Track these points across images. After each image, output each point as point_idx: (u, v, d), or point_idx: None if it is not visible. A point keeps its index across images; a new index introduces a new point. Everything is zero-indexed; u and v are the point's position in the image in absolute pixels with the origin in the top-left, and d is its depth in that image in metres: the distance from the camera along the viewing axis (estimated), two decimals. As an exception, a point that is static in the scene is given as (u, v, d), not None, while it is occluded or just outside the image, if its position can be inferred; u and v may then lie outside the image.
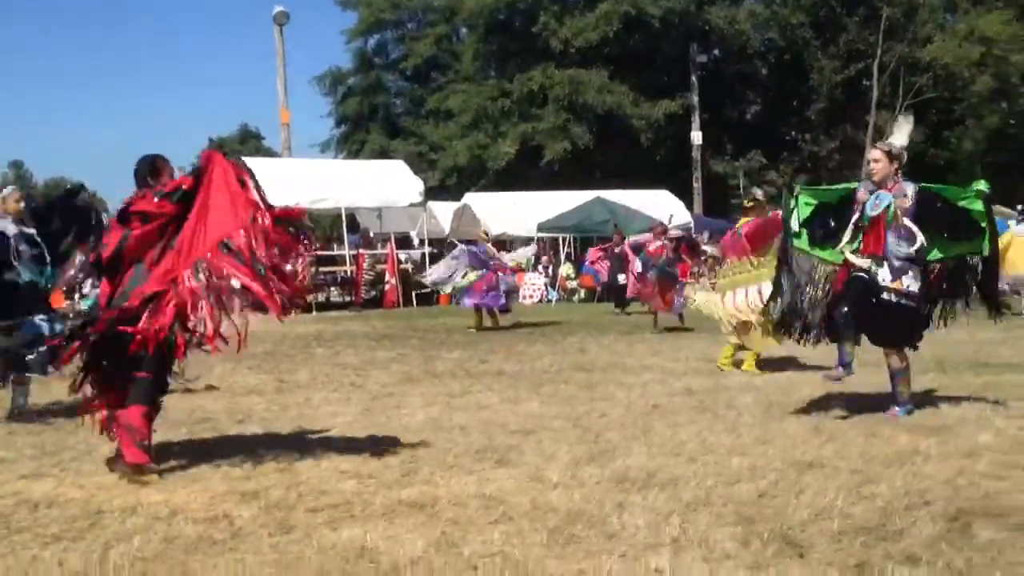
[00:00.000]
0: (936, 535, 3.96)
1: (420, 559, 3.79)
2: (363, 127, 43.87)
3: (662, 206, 26.60)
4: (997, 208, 7.16)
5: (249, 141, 63.71)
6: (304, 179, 23.28)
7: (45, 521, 4.47)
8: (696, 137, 34.83)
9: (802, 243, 6.88)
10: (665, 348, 11.84)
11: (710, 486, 4.79)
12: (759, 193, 10.00)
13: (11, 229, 7.38)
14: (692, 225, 26.69)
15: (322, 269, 22.58)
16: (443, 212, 28.41)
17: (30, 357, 6.97)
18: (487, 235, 16.61)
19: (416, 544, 3.96)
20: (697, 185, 34.47)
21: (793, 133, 39.53)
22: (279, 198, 22.38)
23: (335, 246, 24.70)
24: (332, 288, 23.09)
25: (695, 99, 35.12)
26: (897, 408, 6.72)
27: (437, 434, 6.34)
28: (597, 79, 34.82)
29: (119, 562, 3.84)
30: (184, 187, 5.47)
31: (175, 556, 3.92)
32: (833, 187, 7.39)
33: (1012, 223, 15.51)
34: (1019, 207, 18.01)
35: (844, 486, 4.74)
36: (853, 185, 7.04)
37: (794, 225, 6.88)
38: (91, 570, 3.77)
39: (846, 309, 6.65)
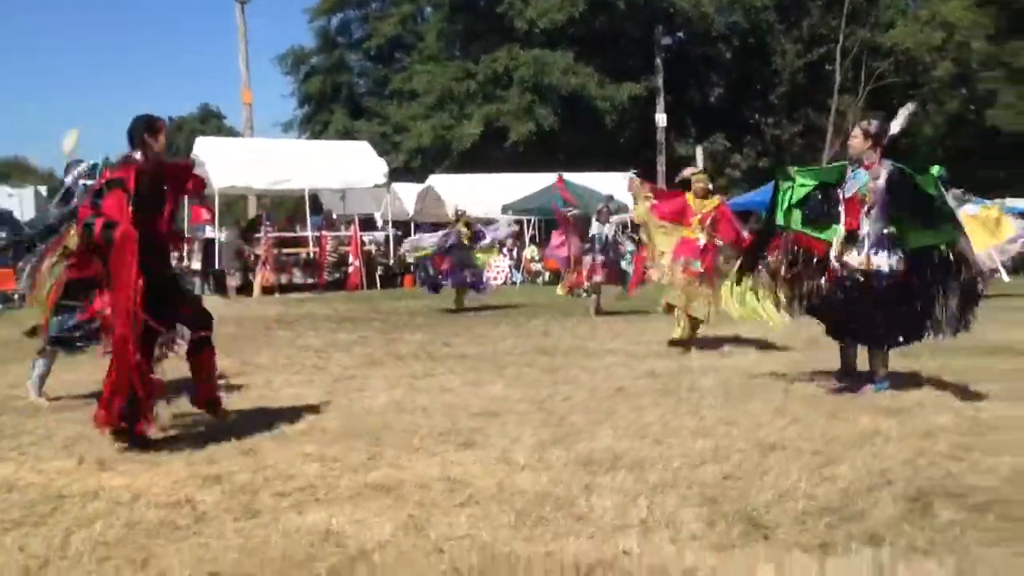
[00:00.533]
0: (898, 515, 4.02)
1: (387, 542, 3.78)
2: (326, 107, 43.51)
3: (625, 188, 26.67)
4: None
5: (210, 121, 63.10)
6: (267, 160, 23.09)
7: (4, 506, 4.41)
8: (660, 119, 34.93)
9: (795, 221, 6.92)
10: (628, 331, 11.88)
11: (676, 468, 4.82)
12: (687, 172, 10.31)
13: None
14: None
15: (285, 251, 22.42)
16: (407, 194, 28.28)
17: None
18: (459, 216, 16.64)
19: (383, 527, 3.94)
20: (661, 168, 34.59)
21: (756, 116, 39.75)
22: (241, 178, 22.36)
23: (298, 227, 24.48)
24: (295, 270, 22.93)
25: (659, 81, 35.20)
26: (872, 385, 6.85)
27: (401, 417, 6.31)
28: (562, 61, 34.79)
29: (81, 547, 3.79)
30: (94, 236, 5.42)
31: (138, 541, 3.88)
32: (829, 166, 7.49)
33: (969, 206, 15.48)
34: (960, 190, 18.22)
35: (807, 467, 4.78)
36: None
37: (783, 204, 6.95)
38: (53, 555, 3.72)
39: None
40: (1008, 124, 32.81)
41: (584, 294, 14.67)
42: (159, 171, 5.74)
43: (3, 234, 24.93)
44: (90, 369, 9.10)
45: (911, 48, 33.72)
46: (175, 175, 5.97)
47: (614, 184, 26.63)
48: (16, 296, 20.21)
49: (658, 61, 35.42)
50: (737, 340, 10.08)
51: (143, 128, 5.68)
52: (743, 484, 4.52)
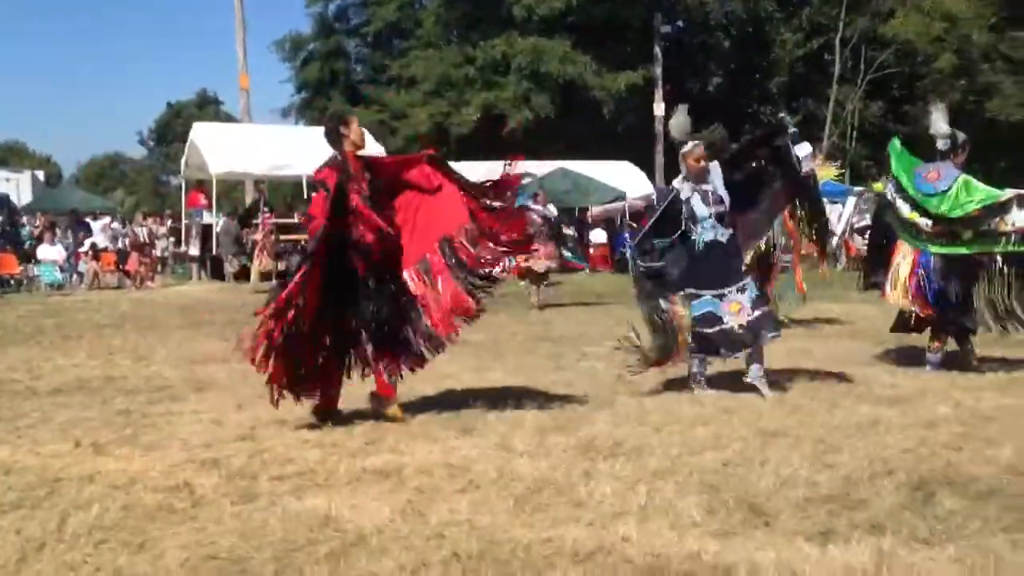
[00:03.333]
0: (899, 504, 4.00)
1: (386, 527, 3.76)
2: (324, 93, 43.26)
3: (624, 177, 26.65)
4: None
5: (208, 106, 62.93)
6: (265, 145, 23.00)
7: (1, 489, 4.39)
8: (659, 109, 34.79)
9: None
10: (631, 318, 11.83)
11: (675, 455, 4.80)
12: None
13: (688, 189, 6.58)
14: (654, 197, 26.79)
15: (282, 237, 22.33)
16: (405, 181, 28.19)
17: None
18: None
19: (382, 512, 3.93)
20: (660, 158, 34.50)
21: (755, 106, 39.60)
22: (239, 164, 22.26)
23: (296, 214, 24.40)
24: (292, 256, 22.85)
25: (658, 71, 35.06)
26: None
27: (401, 403, 6.27)
28: (560, 48, 34.61)
29: (77, 530, 3.77)
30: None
31: (134, 525, 3.86)
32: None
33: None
34: None
35: (808, 455, 4.76)
36: None
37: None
38: (49, 538, 3.69)
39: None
40: (1008, 115, 32.82)
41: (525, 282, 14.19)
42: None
43: (0, 218, 24.89)
44: (84, 356, 9.09)
45: (911, 39, 33.59)
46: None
47: (611, 172, 26.67)
48: (12, 281, 20.22)
49: (657, 50, 35.25)
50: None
51: (337, 124, 5.86)
52: (743, 471, 4.50)
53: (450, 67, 36.34)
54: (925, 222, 7.18)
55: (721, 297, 6.44)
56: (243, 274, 21.08)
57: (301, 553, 3.52)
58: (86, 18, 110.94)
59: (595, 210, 26.46)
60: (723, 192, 6.52)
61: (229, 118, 47.17)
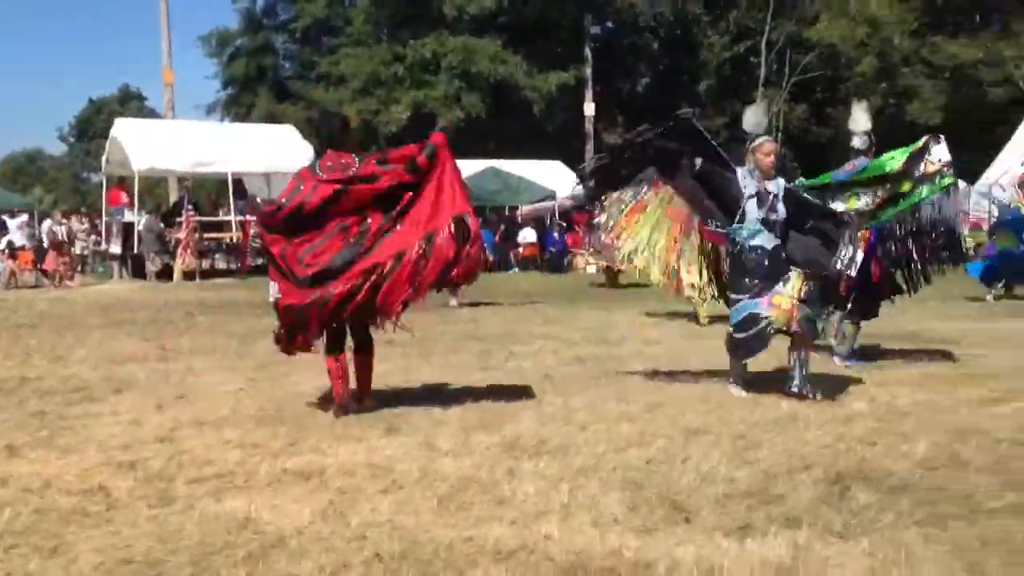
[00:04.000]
0: (816, 498, 4.08)
1: (306, 529, 3.72)
2: (251, 90, 42.67)
3: (554, 176, 26.78)
4: None
5: (130, 102, 61.59)
6: (189, 142, 22.59)
7: (-93, 494, 4.24)
8: (589, 108, 35.05)
9: None
10: (558, 317, 11.91)
11: (600, 453, 4.83)
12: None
13: (752, 186, 6.37)
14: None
15: (207, 235, 21.97)
16: (334, 179, 27.90)
17: None
18: None
19: (303, 514, 3.88)
20: (589, 156, 34.71)
21: (683, 107, 40.01)
22: (162, 161, 21.82)
23: (221, 212, 24.00)
24: (217, 255, 22.50)
25: (588, 71, 35.30)
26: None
27: (325, 403, 6.21)
28: (490, 48, 34.64)
29: (-13, 536, 3.66)
30: (419, 162, 5.72)
31: (47, 529, 3.76)
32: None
33: None
34: None
35: (728, 452, 4.83)
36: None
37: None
38: (-44, 545, 3.58)
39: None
40: (927, 118, 33.72)
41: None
42: None
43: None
44: (0, 356, 8.83)
45: (835, 43, 34.31)
46: None
47: (542, 172, 26.77)
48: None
49: (587, 50, 35.48)
50: (666, 324, 10.16)
51: (340, 126, 6.18)
52: (666, 468, 4.55)
53: (379, 65, 36.09)
54: (866, 201, 7.36)
55: (760, 293, 6.29)
56: (165, 273, 20.68)
57: (219, 556, 3.46)
58: (4, 9, 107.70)
59: (525, 209, 26.54)
60: (779, 203, 6.41)
61: (152, 114, 46.22)
